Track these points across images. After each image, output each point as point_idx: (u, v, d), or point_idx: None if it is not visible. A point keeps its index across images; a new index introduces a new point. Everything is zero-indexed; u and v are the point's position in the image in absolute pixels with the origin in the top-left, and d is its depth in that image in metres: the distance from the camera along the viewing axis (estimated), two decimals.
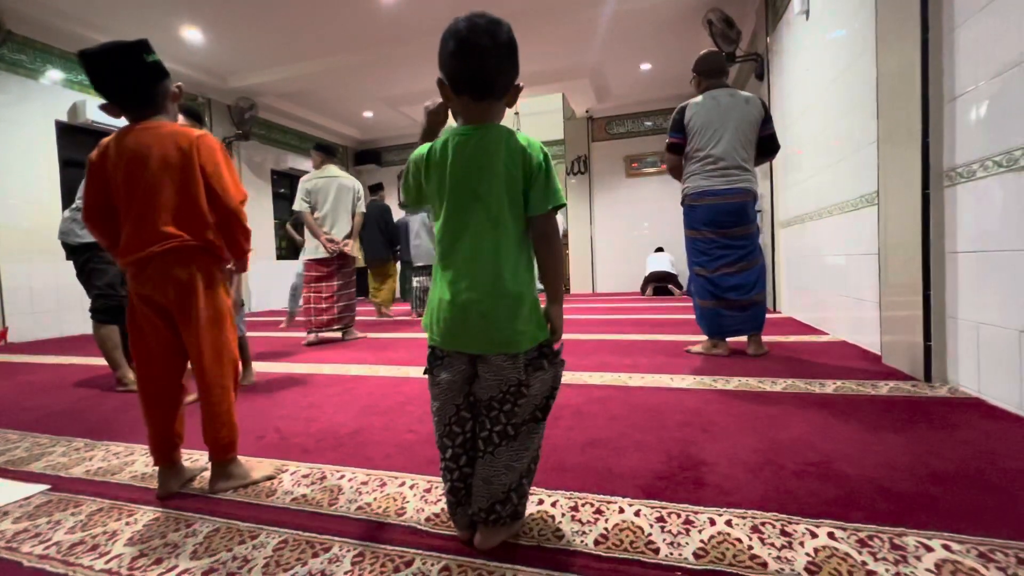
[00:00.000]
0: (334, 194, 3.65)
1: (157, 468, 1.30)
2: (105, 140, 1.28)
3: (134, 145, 1.24)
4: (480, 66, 0.93)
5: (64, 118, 4.92)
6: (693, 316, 2.99)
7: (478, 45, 0.91)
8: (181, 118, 1.45)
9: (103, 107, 1.29)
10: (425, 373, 1.03)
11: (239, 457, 1.34)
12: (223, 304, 1.32)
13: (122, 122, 1.31)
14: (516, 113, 9.05)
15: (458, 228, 0.95)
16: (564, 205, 0.98)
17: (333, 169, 3.77)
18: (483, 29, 0.91)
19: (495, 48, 0.92)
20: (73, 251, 2.56)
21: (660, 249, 7.60)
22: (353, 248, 3.74)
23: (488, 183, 0.93)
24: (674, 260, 7.19)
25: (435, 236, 1.00)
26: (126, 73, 1.23)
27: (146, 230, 1.23)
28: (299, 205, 3.65)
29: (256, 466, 1.37)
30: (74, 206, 2.52)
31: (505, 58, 0.94)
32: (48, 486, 1.35)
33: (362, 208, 3.83)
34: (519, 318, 0.94)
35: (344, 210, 3.70)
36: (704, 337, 2.85)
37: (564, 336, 3.57)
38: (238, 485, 1.29)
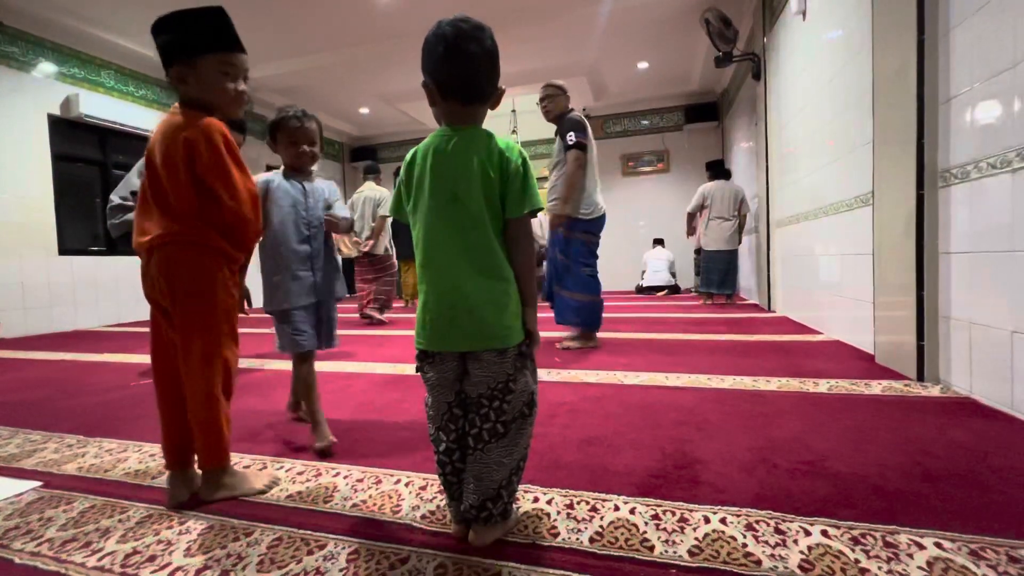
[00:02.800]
0: (361, 205, 4.62)
1: (168, 473, 1.22)
2: None
3: (154, 133, 1.19)
4: (471, 72, 0.95)
5: (57, 112, 4.87)
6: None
7: (468, 51, 0.93)
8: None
9: None
10: (417, 371, 1.04)
11: (236, 467, 1.27)
12: (220, 304, 1.20)
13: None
14: (513, 111, 9.04)
15: (439, 228, 0.95)
16: (541, 209, 0.98)
17: (367, 184, 4.75)
18: (471, 35, 0.93)
19: (483, 54, 0.94)
20: None
21: (659, 242, 7.43)
22: (375, 246, 4.58)
23: (466, 184, 0.94)
24: (673, 259, 7.16)
25: (415, 237, 1.00)
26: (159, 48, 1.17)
27: (148, 221, 1.16)
28: None
29: (252, 476, 1.27)
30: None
31: (492, 63, 0.97)
32: (40, 483, 1.34)
33: (382, 211, 4.55)
34: (506, 314, 0.95)
35: (368, 217, 4.59)
36: (567, 333, 3.09)
37: (561, 334, 3.57)
38: (226, 496, 1.19)
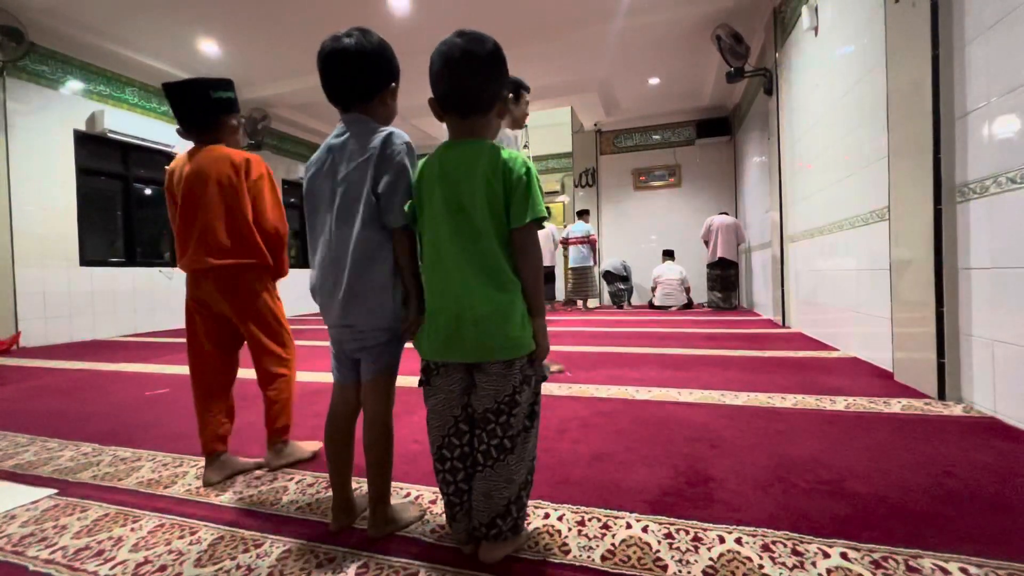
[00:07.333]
0: None
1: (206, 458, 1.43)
2: (172, 162, 1.49)
3: (194, 166, 1.42)
4: (460, 86, 0.96)
5: (82, 127, 5.02)
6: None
7: (462, 66, 0.94)
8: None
9: (178, 130, 1.50)
10: (420, 385, 1.03)
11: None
12: (277, 305, 1.53)
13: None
14: (524, 126, 9.14)
15: (445, 238, 0.96)
16: (545, 218, 0.97)
17: None
18: (465, 49, 0.93)
19: (479, 67, 0.95)
20: None
21: (669, 255, 7.29)
22: None
23: (471, 195, 0.94)
24: (685, 275, 7.07)
25: (421, 247, 1.01)
26: (191, 104, 1.44)
27: (206, 244, 1.40)
28: None
29: (300, 447, 1.54)
30: None
31: (487, 73, 0.96)
32: (55, 490, 1.36)
33: None
34: (511, 325, 0.94)
35: None
36: None
37: (571, 348, 3.55)
38: (290, 462, 1.49)
